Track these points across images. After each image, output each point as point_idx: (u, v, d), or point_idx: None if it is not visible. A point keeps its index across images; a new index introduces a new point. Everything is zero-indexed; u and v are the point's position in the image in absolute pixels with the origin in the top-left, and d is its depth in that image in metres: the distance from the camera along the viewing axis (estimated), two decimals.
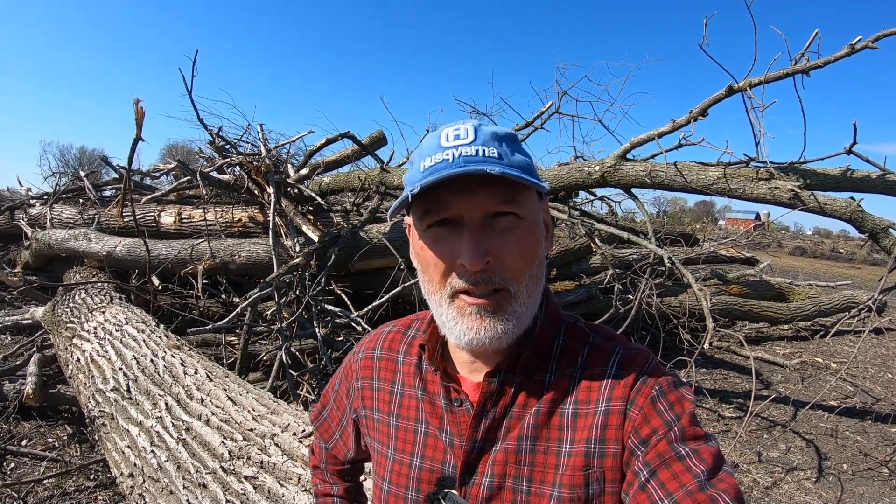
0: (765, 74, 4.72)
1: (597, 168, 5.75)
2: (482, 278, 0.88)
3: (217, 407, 2.87)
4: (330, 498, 1.34)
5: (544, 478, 0.92)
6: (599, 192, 7.84)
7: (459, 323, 0.91)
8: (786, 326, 9.41)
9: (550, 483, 0.91)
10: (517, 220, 0.89)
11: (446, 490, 0.99)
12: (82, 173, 8.98)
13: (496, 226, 0.88)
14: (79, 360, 4.00)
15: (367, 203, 6.77)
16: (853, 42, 4.43)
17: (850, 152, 4.75)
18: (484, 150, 0.87)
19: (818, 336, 8.92)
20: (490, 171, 0.81)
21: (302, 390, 4.69)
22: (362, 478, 1.42)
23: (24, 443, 4.25)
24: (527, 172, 0.89)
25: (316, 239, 5.39)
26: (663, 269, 6.76)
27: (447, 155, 0.87)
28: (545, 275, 0.99)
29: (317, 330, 4.99)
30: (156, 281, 5.83)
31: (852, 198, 4.81)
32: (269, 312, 5.06)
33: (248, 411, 2.76)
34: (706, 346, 4.82)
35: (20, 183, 10.40)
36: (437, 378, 1.04)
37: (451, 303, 0.92)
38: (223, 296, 6.20)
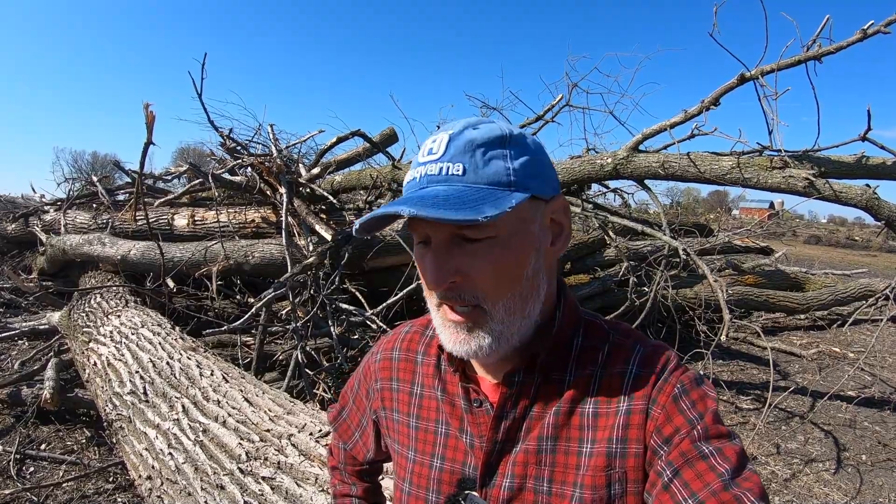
0: (777, 62, 4.66)
1: (609, 160, 5.71)
2: (451, 295, 0.89)
3: (233, 408, 2.88)
4: (349, 498, 1.34)
5: (565, 478, 0.91)
6: (612, 184, 7.80)
7: (443, 332, 0.94)
8: (802, 316, 9.35)
9: (571, 483, 0.90)
10: (488, 239, 0.86)
11: (466, 491, 0.98)
12: (95, 178, 9.03)
13: (466, 245, 0.87)
14: (95, 363, 4.02)
15: (379, 201, 6.77)
16: (865, 27, 4.37)
17: (864, 139, 4.70)
18: (448, 168, 0.85)
19: (835, 325, 8.87)
20: (410, 213, 0.78)
21: (318, 389, 4.70)
22: (380, 477, 1.42)
23: (42, 447, 4.28)
24: (501, 185, 0.85)
25: (329, 238, 5.39)
26: (678, 260, 6.72)
27: (417, 173, 0.88)
28: (544, 283, 0.95)
29: (332, 329, 4.99)
30: (170, 283, 5.85)
31: (868, 185, 4.75)
32: (283, 312, 5.07)
33: (265, 412, 2.77)
34: (723, 338, 4.79)
35: (34, 190, 10.55)
36: (457, 379, 1.03)
37: (438, 310, 0.93)
38: (238, 296, 6.22)
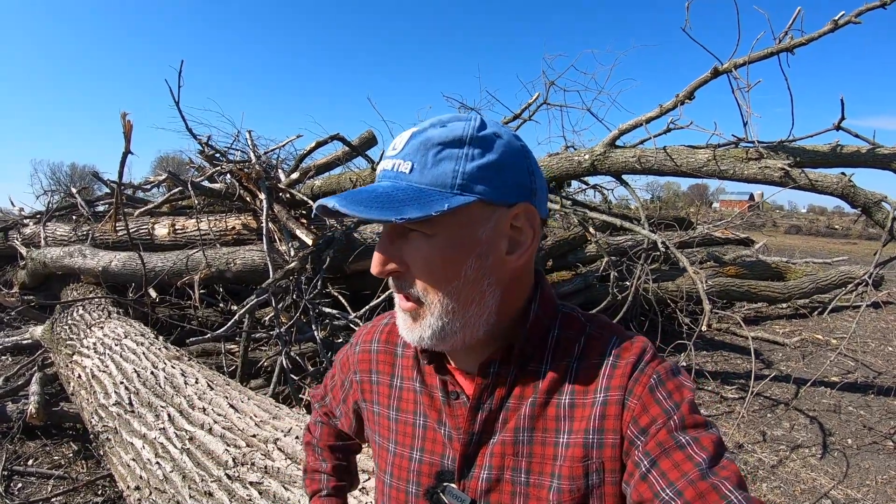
0: (749, 55, 4.71)
1: (586, 157, 5.74)
2: (396, 284, 0.93)
3: (219, 415, 2.87)
4: (318, 473, 1.34)
5: (543, 469, 0.92)
6: (592, 180, 7.85)
7: (397, 318, 0.97)
8: (784, 305, 9.45)
9: (549, 474, 0.91)
10: (425, 237, 0.87)
11: (445, 484, 0.99)
12: (74, 190, 8.96)
13: (410, 236, 0.88)
14: (80, 376, 4.00)
15: None
16: (836, 17, 4.42)
17: (838, 128, 4.75)
18: (398, 165, 0.86)
19: (817, 313, 8.95)
20: (332, 206, 0.82)
21: (304, 394, 4.69)
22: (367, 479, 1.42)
23: (30, 462, 4.24)
24: (444, 187, 0.84)
25: (310, 242, 5.38)
26: (658, 254, 6.77)
27: (380, 167, 0.90)
28: (489, 291, 0.92)
29: (316, 333, 4.99)
30: (153, 293, 5.83)
31: (843, 173, 4.81)
32: (267, 318, 5.06)
33: (251, 417, 2.77)
34: (704, 328, 4.83)
35: (12, 203, 10.39)
36: (434, 370, 1.04)
37: (396, 296, 0.96)
38: (221, 304, 6.20)
